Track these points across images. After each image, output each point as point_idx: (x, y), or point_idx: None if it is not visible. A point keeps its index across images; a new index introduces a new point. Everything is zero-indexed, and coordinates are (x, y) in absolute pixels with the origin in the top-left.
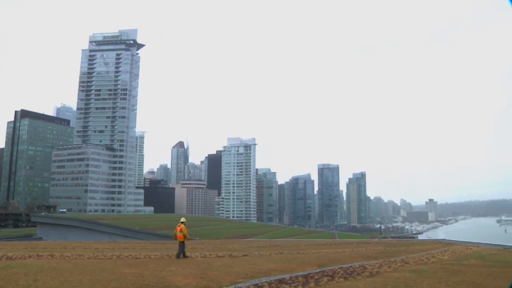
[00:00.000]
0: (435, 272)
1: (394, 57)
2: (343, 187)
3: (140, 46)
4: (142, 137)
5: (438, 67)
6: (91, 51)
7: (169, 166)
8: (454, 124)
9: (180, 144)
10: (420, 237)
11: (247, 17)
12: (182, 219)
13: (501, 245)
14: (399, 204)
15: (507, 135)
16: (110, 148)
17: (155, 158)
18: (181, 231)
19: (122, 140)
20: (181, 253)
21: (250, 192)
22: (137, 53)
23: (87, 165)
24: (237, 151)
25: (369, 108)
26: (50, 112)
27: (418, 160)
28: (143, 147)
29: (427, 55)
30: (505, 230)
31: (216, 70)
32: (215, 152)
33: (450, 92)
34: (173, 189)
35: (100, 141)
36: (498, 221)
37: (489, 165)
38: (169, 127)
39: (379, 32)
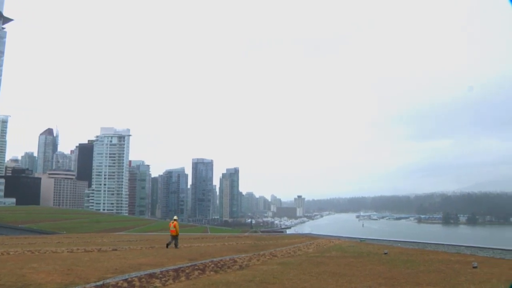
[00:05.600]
0: (300, 264)
1: (279, 56)
2: (216, 182)
3: (7, 20)
4: (5, 122)
5: (313, 74)
6: None
7: (35, 155)
8: (326, 127)
9: (49, 131)
10: (288, 231)
11: None
12: (175, 217)
13: (358, 238)
14: (269, 200)
15: (375, 139)
16: None
17: (19, 145)
18: (174, 226)
19: None
20: (171, 243)
21: (122, 184)
22: (3, 28)
23: None
24: (110, 141)
25: (244, 105)
26: None
27: (290, 159)
28: (6, 132)
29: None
30: (363, 224)
31: (90, 54)
32: (86, 142)
33: (326, 96)
34: (39, 179)
35: None
36: (357, 216)
37: (352, 166)
38: (37, 112)
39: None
